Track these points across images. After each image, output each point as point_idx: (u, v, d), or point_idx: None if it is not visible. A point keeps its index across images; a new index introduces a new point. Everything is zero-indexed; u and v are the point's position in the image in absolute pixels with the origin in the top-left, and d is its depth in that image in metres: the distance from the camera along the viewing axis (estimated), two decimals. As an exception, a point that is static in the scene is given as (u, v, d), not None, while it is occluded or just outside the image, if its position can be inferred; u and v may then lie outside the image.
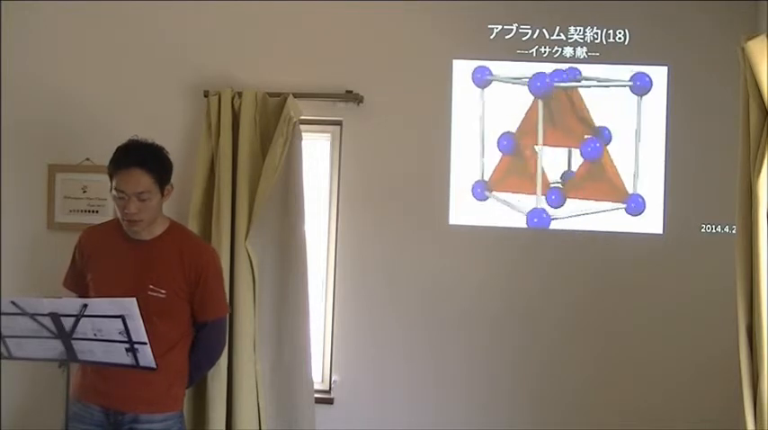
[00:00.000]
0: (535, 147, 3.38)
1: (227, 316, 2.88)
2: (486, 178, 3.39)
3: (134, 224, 2.56)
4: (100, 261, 2.64)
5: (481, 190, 3.39)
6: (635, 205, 3.34)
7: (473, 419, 3.37)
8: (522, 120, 3.39)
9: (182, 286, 2.61)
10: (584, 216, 3.36)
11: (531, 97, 3.38)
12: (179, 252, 2.63)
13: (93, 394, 2.57)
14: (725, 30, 3.18)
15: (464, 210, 3.40)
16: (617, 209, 3.35)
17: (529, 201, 3.38)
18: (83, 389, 2.58)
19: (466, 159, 3.40)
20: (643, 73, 3.35)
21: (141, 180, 2.53)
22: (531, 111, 3.38)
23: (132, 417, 2.56)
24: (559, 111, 3.38)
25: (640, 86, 3.35)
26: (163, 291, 2.56)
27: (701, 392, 3.27)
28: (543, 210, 3.37)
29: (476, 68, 3.40)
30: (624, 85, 3.36)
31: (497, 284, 3.39)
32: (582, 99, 3.37)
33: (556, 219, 3.38)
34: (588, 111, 3.37)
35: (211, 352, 2.81)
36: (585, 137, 3.37)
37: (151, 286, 2.56)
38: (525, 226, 3.38)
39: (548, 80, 3.37)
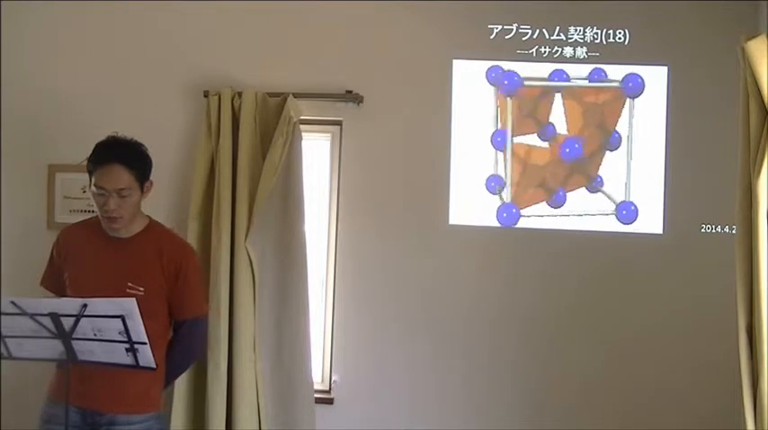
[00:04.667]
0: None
1: (207, 316, 2.83)
2: (500, 173, 3.40)
3: (114, 221, 2.54)
4: (78, 259, 2.62)
5: (495, 184, 3.38)
6: (626, 212, 3.33)
7: (473, 419, 3.37)
8: (509, 117, 3.40)
9: (161, 283, 2.59)
10: (553, 217, 3.37)
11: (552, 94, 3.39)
12: (158, 249, 2.61)
13: (70, 395, 2.50)
14: (725, 30, 3.17)
15: (464, 210, 3.41)
16: (606, 215, 3.35)
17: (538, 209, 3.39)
18: (59, 389, 2.51)
19: (475, 157, 3.40)
20: (635, 74, 3.34)
21: (121, 176, 2.50)
22: (505, 107, 3.39)
23: (110, 419, 2.52)
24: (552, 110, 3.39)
25: (632, 88, 3.35)
26: (141, 289, 2.53)
27: (701, 392, 3.27)
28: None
29: (490, 68, 3.39)
30: (616, 87, 3.35)
31: (497, 284, 3.39)
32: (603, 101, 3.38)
33: (525, 216, 3.37)
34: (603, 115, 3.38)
35: (190, 352, 2.77)
36: (566, 137, 3.37)
37: (129, 283, 2.53)
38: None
39: (517, 79, 3.38)
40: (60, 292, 2.63)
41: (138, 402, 2.57)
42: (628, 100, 3.35)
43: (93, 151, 2.57)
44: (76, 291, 2.54)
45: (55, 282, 2.69)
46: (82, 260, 2.62)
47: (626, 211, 3.34)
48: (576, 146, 3.36)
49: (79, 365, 2.37)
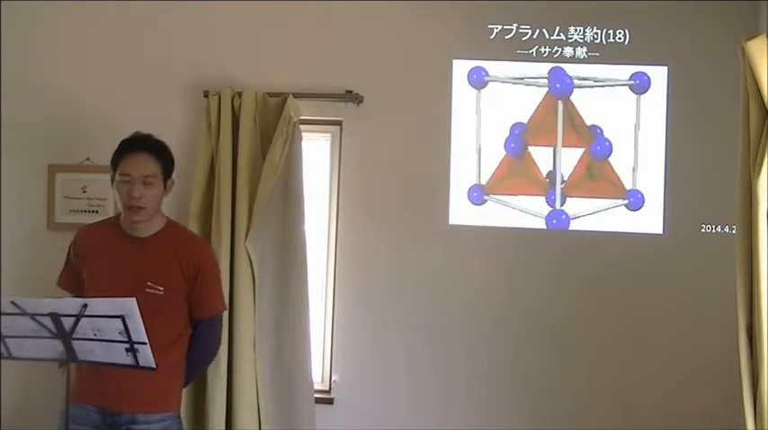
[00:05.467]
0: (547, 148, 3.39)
1: (223, 314, 2.87)
2: (483, 181, 3.39)
3: (136, 212, 2.55)
4: (96, 259, 2.63)
5: (478, 194, 3.39)
6: (634, 200, 3.35)
7: (473, 419, 3.37)
8: (533, 120, 3.39)
9: (180, 283, 2.60)
10: (594, 215, 3.37)
11: (541, 97, 3.39)
12: (176, 249, 2.62)
13: (89, 394, 2.54)
14: (725, 30, 3.18)
15: (464, 211, 3.40)
16: (618, 206, 3.35)
17: (532, 203, 3.38)
18: (79, 390, 2.54)
19: (464, 160, 3.40)
20: (642, 72, 3.35)
21: (147, 164, 2.56)
22: (546, 111, 3.39)
23: (129, 418, 2.54)
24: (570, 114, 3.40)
25: (640, 86, 3.35)
26: (160, 288, 2.55)
27: (701, 392, 3.27)
28: (563, 211, 3.37)
29: (472, 69, 3.39)
30: (624, 85, 3.36)
31: (497, 284, 3.39)
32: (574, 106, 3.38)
33: (575, 218, 3.37)
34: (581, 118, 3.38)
35: (208, 350, 2.79)
36: (595, 137, 3.38)
37: (149, 283, 2.54)
38: (545, 227, 3.37)
39: (568, 81, 3.38)
40: (77, 292, 2.64)
41: (157, 401, 2.58)
42: (635, 97, 3.36)
43: (119, 146, 2.61)
44: (95, 290, 2.54)
45: (72, 282, 2.70)
46: (100, 260, 2.62)
47: (633, 199, 3.35)
48: (607, 144, 3.35)
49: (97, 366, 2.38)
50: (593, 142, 3.37)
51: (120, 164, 2.56)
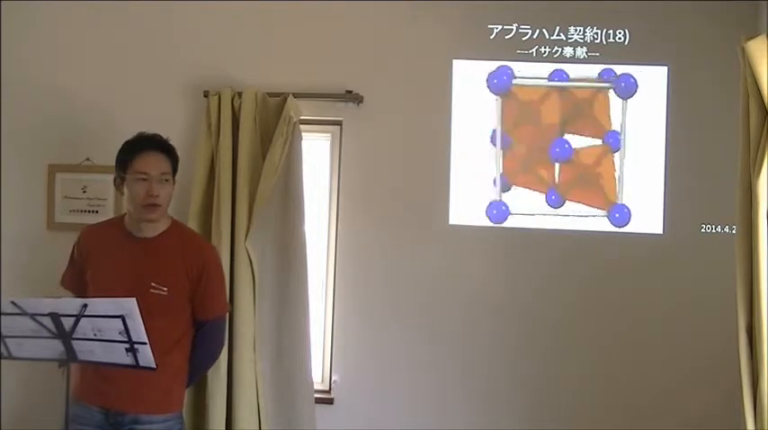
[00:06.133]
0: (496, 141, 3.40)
1: (227, 315, 2.88)
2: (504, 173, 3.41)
3: (153, 210, 2.55)
4: (100, 259, 2.63)
5: (504, 182, 3.39)
6: (619, 215, 3.33)
7: (473, 419, 3.37)
8: (503, 118, 3.40)
9: (184, 283, 2.60)
10: (549, 217, 3.37)
11: (551, 94, 3.39)
12: (181, 249, 2.63)
13: (92, 395, 2.54)
14: (725, 30, 3.18)
15: (465, 210, 3.41)
16: (599, 216, 3.34)
17: (533, 200, 3.39)
18: (82, 390, 2.56)
19: (475, 157, 3.40)
20: (628, 74, 3.34)
21: (162, 162, 2.59)
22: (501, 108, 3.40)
23: (133, 418, 2.54)
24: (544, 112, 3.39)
25: (625, 89, 3.34)
26: (165, 289, 2.55)
27: (701, 392, 3.27)
28: (502, 203, 3.37)
29: (498, 68, 3.39)
30: (608, 87, 3.35)
31: (497, 284, 3.39)
32: (606, 101, 3.36)
33: (514, 214, 3.37)
34: (608, 114, 3.36)
35: (211, 351, 2.80)
36: (554, 137, 3.36)
37: (153, 283, 2.55)
38: (487, 220, 3.38)
39: (505, 78, 3.38)
40: (80, 292, 2.64)
41: (160, 402, 2.59)
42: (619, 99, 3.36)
43: (126, 145, 2.62)
44: (98, 290, 2.54)
45: (75, 281, 2.70)
46: (105, 259, 2.63)
47: (618, 214, 3.33)
48: (567, 146, 3.35)
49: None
50: (552, 143, 3.36)
51: (134, 163, 2.56)
